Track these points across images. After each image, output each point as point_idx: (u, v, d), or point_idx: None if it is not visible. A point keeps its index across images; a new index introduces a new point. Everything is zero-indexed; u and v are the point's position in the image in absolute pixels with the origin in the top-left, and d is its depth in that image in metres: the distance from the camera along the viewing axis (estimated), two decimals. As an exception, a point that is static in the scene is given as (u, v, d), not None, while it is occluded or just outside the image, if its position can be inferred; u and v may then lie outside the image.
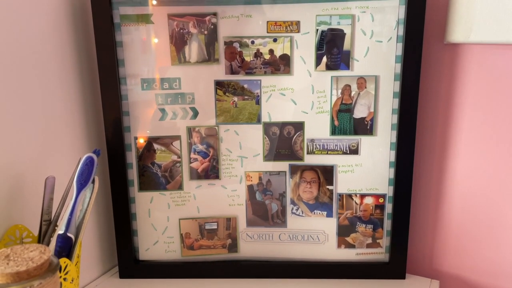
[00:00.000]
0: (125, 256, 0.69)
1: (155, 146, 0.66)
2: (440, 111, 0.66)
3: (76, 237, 0.49)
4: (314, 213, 0.68)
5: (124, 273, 0.69)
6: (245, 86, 0.64)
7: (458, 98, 0.64)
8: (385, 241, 0.68)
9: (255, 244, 0.70)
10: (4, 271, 0.36)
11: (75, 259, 0.49)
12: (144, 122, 0.66)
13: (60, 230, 0.48)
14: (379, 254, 0.69)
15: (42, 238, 0.54)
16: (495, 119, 0.63)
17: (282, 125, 0.65)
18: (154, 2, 0.61)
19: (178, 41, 0.63)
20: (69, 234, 0.48)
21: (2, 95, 0.52)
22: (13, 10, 0.53)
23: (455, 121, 0.65)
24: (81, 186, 0.47)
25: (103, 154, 0.66)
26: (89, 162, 0.47)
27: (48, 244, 0.53)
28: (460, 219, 0.68)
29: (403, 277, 0.68)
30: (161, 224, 0.69)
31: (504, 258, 0.66)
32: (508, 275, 0.67)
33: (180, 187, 0.68)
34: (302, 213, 0.68)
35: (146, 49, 0.63)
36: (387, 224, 0.67)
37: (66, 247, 0.48)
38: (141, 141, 0.66)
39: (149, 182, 0.67)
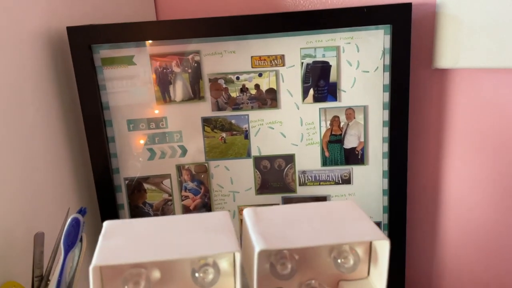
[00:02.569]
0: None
1: (145, 185, 0.66)
2: (431, 136, 0.65)
3: (68, 296, 0.49)
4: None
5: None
6: (233, 121, 0.63)
7: (448, 123, 0.64)
8: (382, 268, 0.68)
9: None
10: None
11: (68, 317, 0.49)
12: (133, 163, 0.65)
13: (51, 291, 0.48)
14: (377, 280, 0.68)
15: (35, 294, 0.53)
16: (486, 142, 0.62)
17: (273, 158, 0.65)
18: (135, 44, 0.60)
19: (162, 81, 0.62)
20: (60, 295, 0.47)
21: (-16, 154, 0.51)
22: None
23: (446, 146, 0.65)
24: (68, 247, 0.47)
25: (93, 196, 0.65)
26: (75, 223, 0.47)
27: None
28: (457, 242, 0.68)
29: (402, 303, 0.68)
30: (156, 262, 0.68)
31: (503, 283, 0.66)
32: (507, 296, 0.67)
33: (173, 224, 0.67)
34: (298, 245, 0.67)
35: (130, 90, 0.62)
36: (384, 251, 0.67)
37: (58, 307, 0.48)
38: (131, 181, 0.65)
39: (142, 221, 0.67)
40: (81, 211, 0.47)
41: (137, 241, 0.34)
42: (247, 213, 0.37)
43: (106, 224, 0.37)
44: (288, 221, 0.35)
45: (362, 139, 0.63)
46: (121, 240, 0.34)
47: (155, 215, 0.67)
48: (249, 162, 0.65)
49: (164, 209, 0.67)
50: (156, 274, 0.35)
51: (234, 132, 0.64)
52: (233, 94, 0.62)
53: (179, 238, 0.34)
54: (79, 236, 0.47)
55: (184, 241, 0.33)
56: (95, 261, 0.32)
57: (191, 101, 0.63)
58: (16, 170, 0.56)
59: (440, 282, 0.70)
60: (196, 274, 0.34)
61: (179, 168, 0.65)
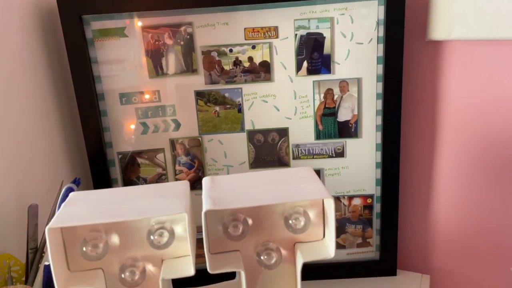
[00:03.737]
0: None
1: (139, 160, 0.66)
2: (425, 109, 0.65)
3: (63, 266, 0.49)
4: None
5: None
6: (226, 95, 0.63)
7: (442, 95, 0.64)
8: (375, 240, 0.69)
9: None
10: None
11: (64, 288, 0.49)
12: (126, 137, 0.65)
13: (47, 261, 0.48)
14: (370, 252, 0.69)
15: (30, 266, 0.53)
16: (479, 113, 0.63)
17: (266, 132, 0.65)
18: (126, 15, 0.59)
19: (154, 54, 0.61)
20: (55, 265, 0.47)
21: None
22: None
23: (440, 118, 0.65)
24: (62, 217, 0.47)
25: (87, 171, 0.65)
26: (70, 193, 0.46)
27: (36, 272, 0.52)
28: (449, 214, 0.69)
29: (394, 274, 0.69)
30: (151, 237, 0.69)
31: (493, 249, 0.67)
32: (498, 262, 0.68)
33: (167, 199, 0.67)
34: (291, 218, 0.68)
35: (122, 63, 0.61)
36: (376, 223, 0.68)
37: (53, 277, 0.48)
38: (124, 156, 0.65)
39: (136, 196, 0.67)
40: (75, 182, 0.47)
41: (96, 207, 0.34)
42: (205, 181, 0.38)
43: (71, 195, 0.37)
44: (242, 186, 0.37)
45: (355, 112, 0.63)
46: (81, 207, 0.34)
47: (149, 189, 0.67)
48: (243, 136, 0.65)
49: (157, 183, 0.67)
50: (115, 239, 0.35)
51: (228, 106, 0.64)
52: (226, 67, 0.62)
53: (135, 203, 0.35)
54: (73, 206, 0.47)
55: (139, 206, 0.34)
56: (52, 223, 0.32)
57: (184, 74, 0.62)
58: (8, 144, 0.55)
59: (432, 254, 0.71)
60: (151, 237, 0.35)
61: (173, 142, 0.65)
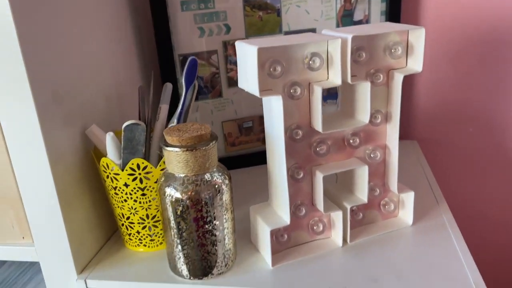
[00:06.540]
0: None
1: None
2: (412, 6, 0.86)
3: (183, 128, 0.61)
4: (327, 102, 0.86)
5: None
6: (268, 1, 0.77)
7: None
8: (378, 117, 0.89)
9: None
10: (191, 134, 0.48)
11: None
12: (185, 41, 0.76)
13: (172, 123, 0.60)
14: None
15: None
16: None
17: (299, 32, 0.80)
18: None
19: (211, -35, 0.73)
20: (180, 125, 0.60)
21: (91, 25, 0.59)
22: None
23: (423, 11, 0.86)
24: (188, 84, 0.59)
25: (158, 70, 0.76)
26: (194, 64, 0.58)
27: (150, 142, 0.64)
28: (428, 91, 0.91)
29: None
30: (206, 128, 0.82)
31: (460, 117, 0.92)
32: (463, 126, 0.93)
33: (220, 94, 0.81)
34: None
35: (184, -26, 0.72)
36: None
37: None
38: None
39: (194, 93, 0.79)
40: (193, 59, 0.59)
41: (271, 42, 0.48)
42: (325, 31, 0.52)
43: (241, 42, 0.49)
44: (353, 30, 0.52)
45: (366, 13, 0.81)
46: (259, 44, 0.47)
47: (205, 86, 0.79)
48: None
49: (212, 81, 0.79)
50: (283, 63, 0.49)
51: (269, 11, 0.78)
52: (269, -23, 0.76)
53: (296, 38, 0.49)
54: (195, 76, 0.59)
55: (297, 40, 0.49)
56: (257, 47, 0.45)
57: (235, -16, 0.75)
58: (102, 49, 0.64)
59: (416, 125, 0.94)
60: (310, 62, 0.49)
61: (225, 44, 0.78)
